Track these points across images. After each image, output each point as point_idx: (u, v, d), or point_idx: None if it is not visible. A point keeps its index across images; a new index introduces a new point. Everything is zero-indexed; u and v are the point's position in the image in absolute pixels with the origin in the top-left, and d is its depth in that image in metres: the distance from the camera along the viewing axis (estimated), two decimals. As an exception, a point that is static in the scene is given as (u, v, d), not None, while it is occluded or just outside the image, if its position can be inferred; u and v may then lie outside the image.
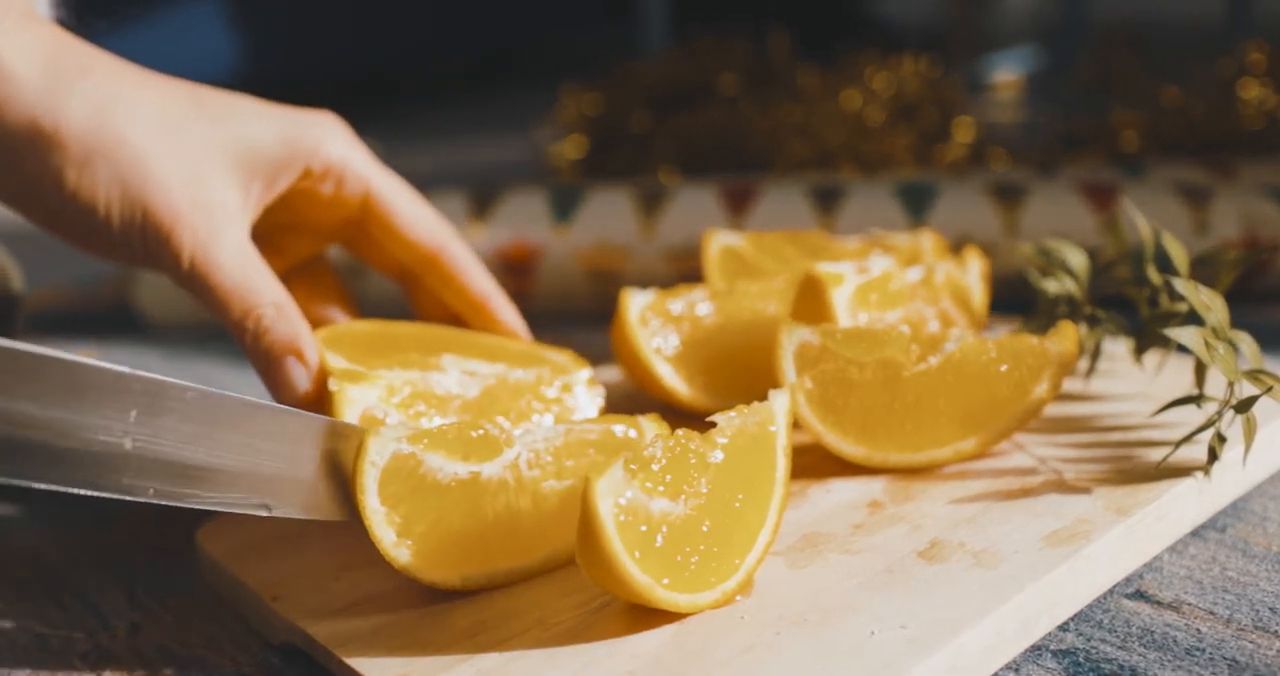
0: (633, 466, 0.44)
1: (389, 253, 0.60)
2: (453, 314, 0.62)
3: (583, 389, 0.58)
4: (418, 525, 0.46)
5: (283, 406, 0.46)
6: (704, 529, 0.45)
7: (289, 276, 0.61)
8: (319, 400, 0.52)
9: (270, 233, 0.59)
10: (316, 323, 0.60)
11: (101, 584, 0.56)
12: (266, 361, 0.52)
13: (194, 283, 0.51)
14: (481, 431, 0.48)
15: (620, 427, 0.51)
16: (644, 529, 0.43)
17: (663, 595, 0.43)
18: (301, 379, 0.52)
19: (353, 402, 0.51)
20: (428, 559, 0.46)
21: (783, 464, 0.48)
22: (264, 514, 0.46)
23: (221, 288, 0.51)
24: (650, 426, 0.52)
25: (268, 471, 0.45)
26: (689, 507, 0.45)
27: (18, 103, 0.49)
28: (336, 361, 0.53)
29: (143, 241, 0.51)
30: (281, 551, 0.53)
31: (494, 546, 0.48)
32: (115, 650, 0.50)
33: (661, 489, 0.44)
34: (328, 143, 0.56)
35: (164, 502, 0.42)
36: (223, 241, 0.51)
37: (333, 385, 0.51)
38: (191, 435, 0.42)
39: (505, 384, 0.56)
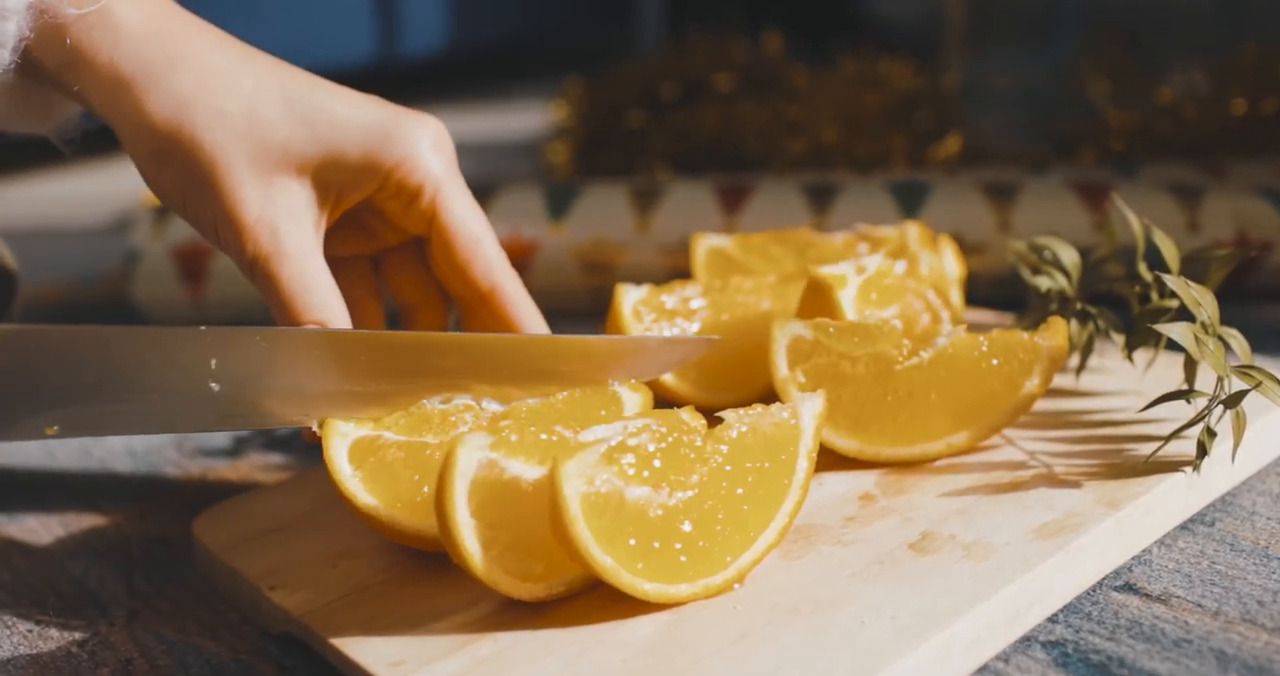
0: (619, 455, 0.44)
1: (441, 273, 0.58)
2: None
3: (625, 391, 0.56)
4: (503, 535, 0.45)
5: (350, 329, 0.49)
6: (689, 522, 0.45)
7: (382, 257, 0.60)
8: None
9: (363, 215, 0.58)
10: (408, 307, 0.60)
11: (99, 572, 0.56)
12: None
13: (255, 283, 0.51)
14: (556, 436, 0.48)
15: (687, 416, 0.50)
16: (615, 514, 0.43)
17: (628, 579, 0.43)
18: None
19: (343, 435, 0.50)
20: (514, 571, 0.45)
21: (803, 468, 0.48)
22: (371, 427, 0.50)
23: (276, 298, 0.51)
24: (690, 419, 0.52)
25: (359, 390, 0.50)
26: (674, 499, 0.45)
27: (123, 62, 0.50)
28: None
29: (214, 233, 0.52)
30: (276, 541, 0.53)
31: None
32: (113, 638, 0.51)
33: (645, 475, 0.45)
34: (412, 157, 0.53)
35: (265, 428, 0.49)
36: (284, 252, 0.50)
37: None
38: (268, 370, 0.48)
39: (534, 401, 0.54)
